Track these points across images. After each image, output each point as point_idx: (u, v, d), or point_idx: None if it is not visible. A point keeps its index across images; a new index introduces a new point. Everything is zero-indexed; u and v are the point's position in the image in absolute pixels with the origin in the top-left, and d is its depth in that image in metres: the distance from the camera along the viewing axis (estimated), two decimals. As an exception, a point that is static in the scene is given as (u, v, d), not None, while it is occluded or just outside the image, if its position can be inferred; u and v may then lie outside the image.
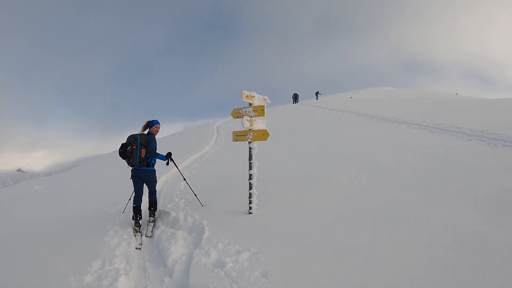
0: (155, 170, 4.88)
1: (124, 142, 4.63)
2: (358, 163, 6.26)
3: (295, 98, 33.91)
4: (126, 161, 4.63)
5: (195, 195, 5.20)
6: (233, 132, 4.44)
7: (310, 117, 18.16)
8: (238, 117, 4.30)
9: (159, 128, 4.90)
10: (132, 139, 4.62)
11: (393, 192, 4.35)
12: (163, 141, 21.86)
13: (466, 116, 11.38)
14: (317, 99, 34.54)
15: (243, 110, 4.23)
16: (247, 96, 4.06)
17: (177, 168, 5.30)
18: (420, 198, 3.99)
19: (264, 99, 4.42)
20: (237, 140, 4.38)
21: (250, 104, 4.22)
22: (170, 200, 5.73)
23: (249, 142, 4.25)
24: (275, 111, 26.09)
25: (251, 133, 4.17)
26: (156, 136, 4.84)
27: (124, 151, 4.53)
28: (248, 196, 4.33)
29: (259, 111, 4.04)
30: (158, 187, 6.98)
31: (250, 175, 4.30)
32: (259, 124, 4.24)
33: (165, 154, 4.83)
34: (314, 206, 4.19)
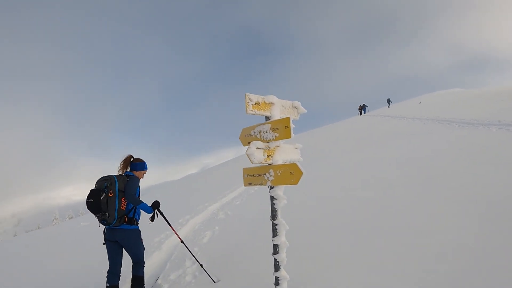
0: (139, 230, 3.25)
1: (94, 187, 3.09)
2: (459, 198, 3.73)
3: (362, 109, 31.81)
4: (98, 217, 3.02)
5: (201, 266, 3.42)
6: (244, 170, 2.57)
7: (377, 128, 15.27)
8: (250, 143, 2.46)
9: (145, 174, 3.44)
10: (106, 183, 3.05)
11: None
12: (220, 167, 21.02)
13: None
14: (389, 106, 32.44)
15: (256, 129, 2.38)
16: (256, 103, 2.21)
17: (169, 224, 3.54)
18: None
19: (295, 107, 2.51)
20: (250, 184, 2.50)
21: (267, 118, 2.36)
22: (180, 263, 4.05)
23: (270, 188, 2.34)
24: (339, 125, 23.63)
25: (271, 171, 2.26)
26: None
27: (96, 202, 2.92)
28: (274, 281, 2.37)
29: (282, 129, 2.14)
30: (175, 240, 5.42)
31: (275, 247, 2.34)
32: (285, 153, 2.32)
33: (150, 204, 3.22)
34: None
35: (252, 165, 2.47)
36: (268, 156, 2.25)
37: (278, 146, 2.31)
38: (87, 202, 2.95)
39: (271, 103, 2.31)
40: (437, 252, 2.71)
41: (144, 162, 3.43)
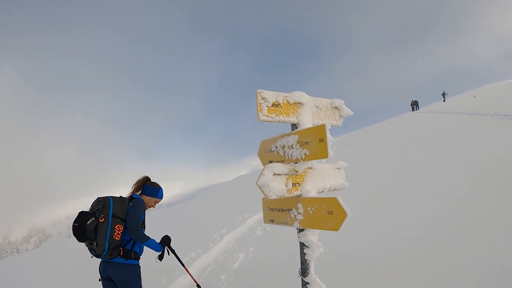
0: (138, 267, 2.57)
1: (85, 210, 2.49)
2: None
3: (415, 105, 30.39)
4: (87, 247, 2.46)
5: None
6: (263, 201, 1.82)
7: (433, 125, 13.48)
8: (271, 162, 1.71)
9: (157, 203, 2.83)
10: (98, 205, 2.48)
11: None
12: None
13: None
14: (444, 100, 30.34)
15: (278, 143, 1.63)
16: (275, 104, 1.46)
17: (182, 264, 2.83)
18: None
19: (335, 108, 1.70)
20: (272, 222, 1.75)
21: (293, 126, 1.59)
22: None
23: (299, 231, 1.57)
24: (391, 123, 21.66)
25: (299, 206, 1.49)
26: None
27: (82, 227, 2.38)
28: None
29: (314, 143, 1.37)
30: (205, 262, 4.84)
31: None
32: (321, 177, 1.53)
33: (159, 240, 2.61)
34: None
35: (280, 193, 1.71)
36: (294, 184, 1.48)
37: (310, 168, 1.53)
38: (72, 226, 2.41)
39: (299, 103, 1.54)
40: None
41: (160, 189, 2.78)
